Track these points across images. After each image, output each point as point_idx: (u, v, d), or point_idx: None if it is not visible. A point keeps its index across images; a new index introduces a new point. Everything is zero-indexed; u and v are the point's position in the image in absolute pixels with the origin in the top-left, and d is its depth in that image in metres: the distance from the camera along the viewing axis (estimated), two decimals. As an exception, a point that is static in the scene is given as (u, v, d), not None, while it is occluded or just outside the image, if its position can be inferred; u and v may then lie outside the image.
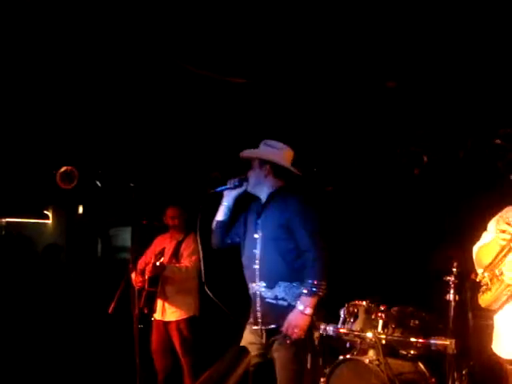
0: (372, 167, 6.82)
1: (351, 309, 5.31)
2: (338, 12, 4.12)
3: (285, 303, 4.15)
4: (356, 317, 5.24)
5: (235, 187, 4.44)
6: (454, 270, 4.97)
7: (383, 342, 4.98)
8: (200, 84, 5.33)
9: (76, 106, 6.41)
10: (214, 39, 4.53)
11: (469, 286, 4.88)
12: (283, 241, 4.19)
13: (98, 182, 8.62)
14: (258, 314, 4.27)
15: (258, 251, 4.25)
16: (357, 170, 6.93)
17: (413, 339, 4.96)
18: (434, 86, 5.40)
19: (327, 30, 4.32)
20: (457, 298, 4.90)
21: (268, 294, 4.21)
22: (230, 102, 5.92)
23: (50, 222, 13.13)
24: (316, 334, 5.22)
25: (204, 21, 4.27)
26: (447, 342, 4.72)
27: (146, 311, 6.17)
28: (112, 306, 5.60)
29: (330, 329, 5.16)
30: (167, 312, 6.30)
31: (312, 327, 4.25)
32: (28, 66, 5.20)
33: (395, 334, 5.03)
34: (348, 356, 5.19)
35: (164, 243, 6.57)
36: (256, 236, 4.29)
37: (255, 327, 4.32)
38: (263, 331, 4.27)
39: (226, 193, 4.49)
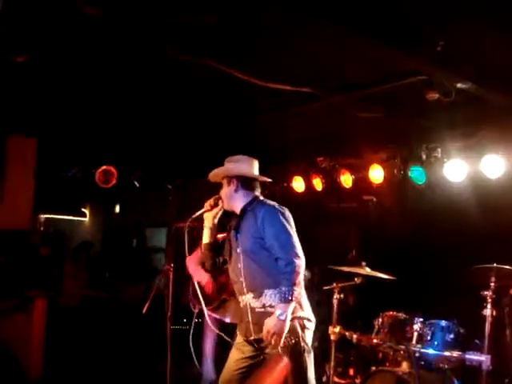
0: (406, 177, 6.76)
1: (385, 319, 5.27)
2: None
3: (273, 309, 4.16)
4: (390, 328, 5.20)
5: (212, 208, 4.52)
6: (492, 284, 4.91)
7: (417, 354, 4.93)
8: (242, 88, 5.35)
9: (117, 106, 6.48)
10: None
11: (507, 301, 4.82)
12: (260, 251, 4.23)
13: (135, 182, 8.71)
14: (250, 325, 4.28)
15: (241, 265, 4.30)
16: (394, 179, 6.87)
17: (447, 353, 4.90)
18: None
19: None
20: (494, 313, 4.83)
21: (256, 304, 4.23)
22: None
23: (86, 219, 13.30)
24: (332, 337, 5.22)
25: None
26: (482, 358, 4.66)
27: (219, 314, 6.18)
28: (146, 306, 5.63)
29: (363, 339, 5.14)
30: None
31: (301, 332, 4.21)
32: (70, 69, 5.28)
33: (430, 347, 4.98)
34: (380, 367, 5.16)
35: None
36: (238, 251, 4.35)
37: (248, 336, 4.32)
38: (255, 340, 4.28)
39: (205, 216, 4.58)
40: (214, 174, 4.54)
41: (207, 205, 4.51)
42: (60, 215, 12.28)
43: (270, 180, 4.68)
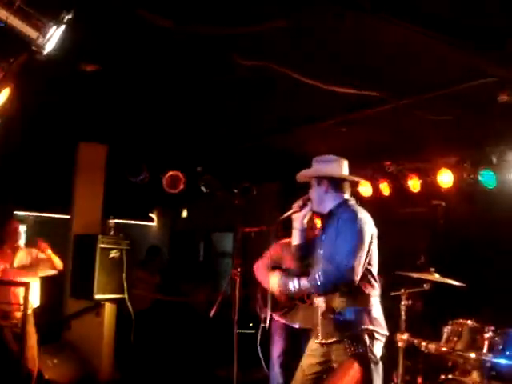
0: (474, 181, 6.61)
1: (455, 327, 5.15)
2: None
3: (340, 317, 4.11)
4: (460, 336, 5.08)
5: (300, 209, 4.46)
6: None
7: (488, 364, 4.79)
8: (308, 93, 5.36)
9: (184, 113, 6.58)
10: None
11: None
12: None
13: (202, 187, 8.79)
14: (319, 328, 4.26)
15: (319, 267, 4.27)
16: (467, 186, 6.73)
17: (521, 363, 4.75)
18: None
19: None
20: None
21: (327, 308, 4.21)
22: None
23: (154, 224, 13.52)
24: (400, 344, 5.11)
25: None
26: (559, 369, 4.50)
27: (287, 319, 6.20)
28: (214, 310, 5.66)
29: (432, 347, 5.04)
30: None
31: (369, 342, 4.14)
32: (138, 77, 5.40)
33: (501, 357, 4.82)
34: (450, 376, 5.03)
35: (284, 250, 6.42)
36: (320, 253, 4.30)
37: (316, 341, 4.29)
38: (324, 345, 4.24)
39: (293, 217, 4.52)
40: (303, 175, 4.46)
41: (296, 206, 4.46)
42: (129, 220, 12.53)
43: (360, 180, 4.64)
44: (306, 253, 4.49)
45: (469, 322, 5.10)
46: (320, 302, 4.25)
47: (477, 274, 6.44)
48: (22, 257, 6.39)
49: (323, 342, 4.19)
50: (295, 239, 4.52)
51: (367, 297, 4.10)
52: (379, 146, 7.02)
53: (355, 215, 4.16)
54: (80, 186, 8.01)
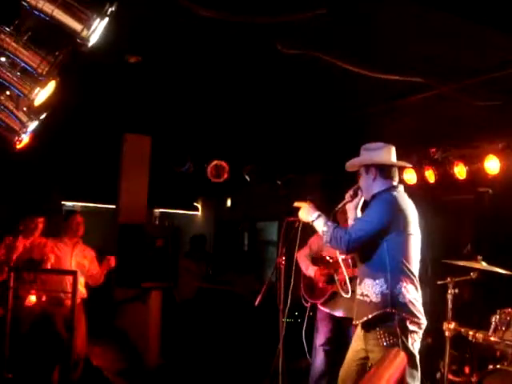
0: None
1: (503, 316, 5.06)
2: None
3: (367, 299, 4.12)
4: (508, 325, 5.00)
5: (352, 198, 4.43)
6: None
7: (538, 353, 4.72)
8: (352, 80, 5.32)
9: (227, 102, 6.59)
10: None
11: None
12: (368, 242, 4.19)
13: (246, 176, 8.82)
14: (355, 309, 4.30)
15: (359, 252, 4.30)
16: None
17: None
18: None
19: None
20: None
21: (358, 291, 4.23)
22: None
23: (199, 213, 13.63)
24: (447, 334, 5.03)
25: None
26: None
27: (326, 307, 6.23)
28: (259, 299, 5.69)
29: (480, 336, 4.97)
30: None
31: (400, 334, 4.12)
32: (183, 68, 5.44)
33: (551, 346, 4.74)
34: (498, 366, 4.96)
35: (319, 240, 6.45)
36: None
37: (354, 322, 4.33)
38: (359, 325, 4.27)
39: (346, 207, 4.51)
40: (351, 164, 4.42)
41: (347, 196, 4.45)
42: (174, 209, 12.67)
43: (409, 165, 4.70)
44: None
45: (517, 311, 5.02)
46: (357, 283, 4.28)
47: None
48: (78, 252, 6.52)
49: (357, 322, 4.23)
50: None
51: (397, 281, 4.07)
52: (424, 133, 6.92)
53: (392, 198, 4.16)
54: (125, 176, 8.11)
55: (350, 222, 4.46)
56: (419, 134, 6.89)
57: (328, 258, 6.21)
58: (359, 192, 4.39)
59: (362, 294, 4.18)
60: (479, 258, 5.47)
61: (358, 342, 4.31)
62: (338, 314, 6.19)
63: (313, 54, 4.71)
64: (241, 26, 4.22)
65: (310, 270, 6.29)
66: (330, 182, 8.25)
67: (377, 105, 6.25)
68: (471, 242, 6.98)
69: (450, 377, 5.66)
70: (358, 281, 4.30)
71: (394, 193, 4.22)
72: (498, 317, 5.08)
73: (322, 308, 6.30)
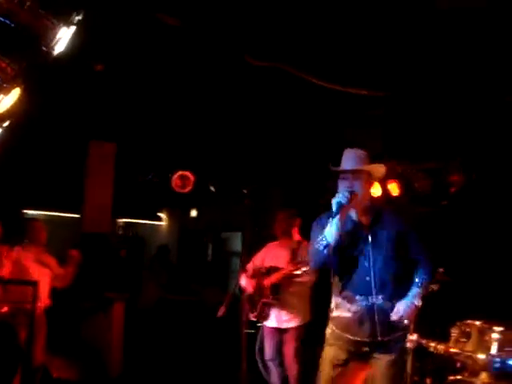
0: (490, 182, 6.60)
1: (464, 328, 5.12)
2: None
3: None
4: (469, 336, 5.05)
5: (345, 204, 4.12)
6: None
7: (497, 364, 4.78)
8: (321, 95, 5.36)
9: (194, 113, 6.59)
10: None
11: None
12: (396, 256, 4.23)
13: (211, 187, 8.80)
14: (377, 327, 4.24)
15: (370, 265, 4.29)
16: (474, 185, 6.72)
17: (529, 364, 4.73)
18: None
19: (448, 45, 4.24)
20: None
21: (385, 307, 4.23)
22: (348, 113, 5.92)
23: (163, 223, 13.55)
24: (409, 345, 5.09)
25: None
26: None
27: (260, 320, 6.23)
28: (221, 310, 5.68)
29: (441, 348, 5.02)
30: (285, 319, 6.18)
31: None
32: (148, 77, 5.42)
33: (511, 358, 4.81)
34: (458, 377, 5.01)
35: (276, 251, 6.45)
36: (368, 249, 4.30)
37: (365, 339, 4.28)
38: (377, 343, 4.28)
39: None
40: (377, 169, 4.33)
41: (340, 201, 4.14)
42: (138, 220, 12.58)
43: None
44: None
45: (477, 322, 5.08)
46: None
47: (485, 275, 6.44)
48: (42, 260, 6.42)
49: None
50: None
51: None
52: (391, 146, 7.00)
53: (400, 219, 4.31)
54: (90, 185, 8.04)
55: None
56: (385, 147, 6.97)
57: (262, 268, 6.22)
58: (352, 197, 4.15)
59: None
60: (441, 270, 5.54)
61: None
62: (271, 324, 6.22)
63: (280, 66, 4.75)
64: (208, 36, 4.23)
65: (245, 284, 6.25)
66: (292, 194, 8.30)
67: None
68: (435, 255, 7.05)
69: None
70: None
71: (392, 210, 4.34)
72: (458, 328, 5.15)
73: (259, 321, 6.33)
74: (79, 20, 3.33)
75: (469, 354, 4.93)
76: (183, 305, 9.28)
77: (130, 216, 12.19)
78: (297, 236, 6.43)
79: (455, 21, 4.05)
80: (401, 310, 4.18)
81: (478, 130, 6.10)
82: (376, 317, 4.24)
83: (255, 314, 6.16)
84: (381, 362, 4.27)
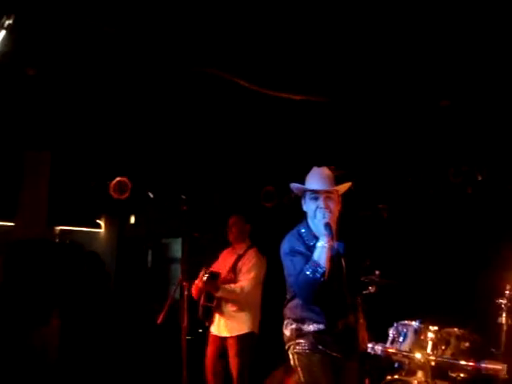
0: (425, 185, 6.75)
1: (400, 328, 5.23)
2: (392, 31, 4.12)
3: None
4: (405, 337, 5.16)
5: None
6: (507, 292, 4.87)
7: (432, 363, 4.89)
8: (255, 100, 5.38)
9: (130, 119, 6.53)
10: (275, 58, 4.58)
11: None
12: None
13: (150, 193, 8.74)
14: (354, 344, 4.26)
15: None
16: (410, 189, 6.86)
17: (463, 362, 4.85)
18: (488, 102, 5.33)
19: (380, 50, 4.32)
20: (509, 321, 4.79)
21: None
22: (287, 117, 5.95)
23: (102, 230, 13.36)
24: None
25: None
26: (499, 367, 4.60)
27: (206, 324, 6.21)
28: (161, 317, 5.63)
29: (378, 348, 5.11)
30: (223, 327, 6.15)
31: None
32: (87, 80, 5.34)
33: (445, 356, 4.93)
34: (396, 376, 5.11)
35: (227, 257, 6.44)
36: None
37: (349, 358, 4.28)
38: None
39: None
40: (345, 187, 4.22)
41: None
42: (75, 227, 12.36)
43: None
44: None
45: (413, 323, 5.19)
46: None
47: (420, 277, 6.58)
48: None
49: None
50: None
51: None
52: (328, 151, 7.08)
53: None
54: (24, 193, 7.88)
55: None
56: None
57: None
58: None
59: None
60: (377, 272, 5.64)
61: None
62: (212, 330, 6.24)
63: (212, 71, 4.75)
64: (141, 41, 4.21)
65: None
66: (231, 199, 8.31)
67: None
68: (370, 257, 7.16)
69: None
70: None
71: None
72: (394, 329, 5.25)
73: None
74: (9, 24, 3.26)
75: (405, 353, 5.05)
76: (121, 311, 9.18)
77: (68, 223, 11.99)
78: (248, 242, 6.40)
79: (390, 23, 4.12)
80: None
81: (413, 135, 6.23)
82: (349, 334, 4.22)
83: (200, 318, 6.19)
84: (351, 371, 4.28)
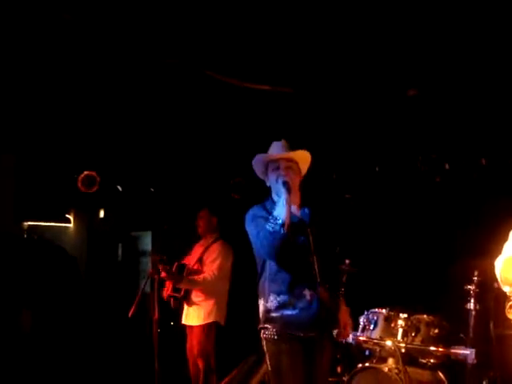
0: (393, 174, 6.79)
1: (371, 316, 5.30)
2: (358, 19, 4.13)
3: None
4: (376, 325, 5.23)
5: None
6: (475, 278, 4.94)
7: (403, 350, 4.97)
8: (221, 90, 5.36)
9: (97, 112, 6.47)
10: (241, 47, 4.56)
11: (492, 295, 4.84)
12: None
13: (118, 187, 8.68)
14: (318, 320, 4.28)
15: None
16: (377, 177, 6.90)
17: (432, 348, 4.93)
18: (456, 91, 5.37)
19: (350, 40, 4.33)
20: (477, 307, 4.86)
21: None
22: (253, 108, 5.94)
23: (71, 225, 13.23)
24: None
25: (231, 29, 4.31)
26: (467, 352, 4.69)
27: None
28: (132, 310, 5.62)
29: (350, 336, 5.15)
30: (190, 316, 6.36)
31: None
32: (51, 73, 5.27)
33: (415, 343, 5.00)
34: (367, 364, 5.17)
35: (196, 249, 6.61)
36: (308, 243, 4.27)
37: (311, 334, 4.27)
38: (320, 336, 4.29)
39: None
40: (304, 156, 4.25)
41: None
42: (44, 222, 12.22)
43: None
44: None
45: (383, 310, 5.25)
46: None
47: (390, 265, 6.63)
48: None
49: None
50: None
51: None
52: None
53: None
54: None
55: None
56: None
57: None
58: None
59: None
60: (347, 261, 5.69)
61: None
62: (183, 320, 6.44)
63: (186, 64, 4.72)
64: (109, 32, 4.17)
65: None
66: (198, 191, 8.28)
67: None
68: (339, 246, 7.20)
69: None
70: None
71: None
72: (365, 317, 5.31)
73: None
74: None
75: (376, 341, 5.11)
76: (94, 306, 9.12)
77: (36, 219, 11.84)
78: (216, 234, 6.53)
79: (356, 11, 4.12)
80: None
81: (383, 125, 6.26)
82: (322, 310, 4.17)
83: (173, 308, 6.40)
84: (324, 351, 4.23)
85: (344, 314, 4.22)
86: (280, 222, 3.84)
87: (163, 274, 6.09)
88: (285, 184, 3.97)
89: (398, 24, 4.27)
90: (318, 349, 4.07)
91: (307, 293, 4.02)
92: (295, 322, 4.00)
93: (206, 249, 6.42)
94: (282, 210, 3.87)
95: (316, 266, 4.04)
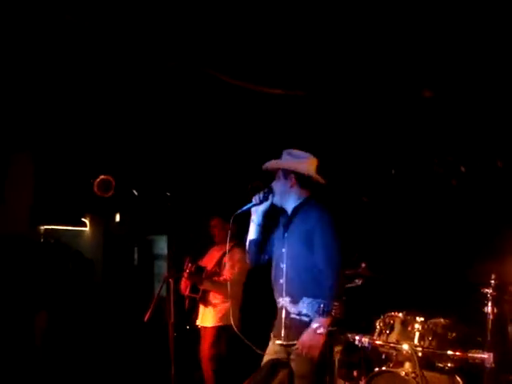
0: (409, 177, 6.76)
1: (387, 320, 5.25)
2: (374, 22, 4.11)
3: (307, 319, 4.13)
4: (392, 328, 5.18)
5: (261, 202, 4.32)
6: (492, 282, 4.89)
7: (419, 354, 4.91)
8: (236, 95, 5.36)
9: (114, 117, 6.50)
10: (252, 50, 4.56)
11: (508, 298, 4.79)
12: (307, 255, 4.16)
13: (134, 191, 8.70)
14: (282, 330, 4.25)
15: (284, 266, 4.23)
16: (394, 180, 6.87)
17: (450, 352, 4.87)
18: (472, 93, 5.34)
19: (364, 42, 4.32)
20: (495, 310, 4.81)
21: (292, 310, 4.20)
22: (268, 113, 5.94)
23: (87, 229, 13.28)
24: (337, 349, 5.15)
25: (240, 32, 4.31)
26: (485, 356, 4.63)
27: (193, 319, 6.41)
28: (148, 314, 5.63)
29: (366, 340, 5.12)
30: (205, 317, 6.40)
31: (331, 345, 4.21)
32: (64, 79, 5.29)
33: (432, 347, 4.95)
34: (384, 368, 5.13)
35: (213, 253, 6.68)
36: (283, 250, 4.26)
37: (278, 341, 4.30)
38: (285, 346, 4.26)
39: (253, 210, 4.39)
40: (274, 164, 4.39)
41: (256, 199, 4.35)
42: (60, 226, 12.27)
43: (323, 182, 4.46)
44: (260, 250, 4.43)
45: (400, 314, 5.21)
46: (287, 301, 4.23)
47: (406, 267, 6.59)
48: None
49: (284, 343, 4.25)
50: (251, 234, 4.44)
51: None
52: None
53: (329, 212, 4.25)
54: (8, 193, 7.83)
55: (253, 226, 4.40)
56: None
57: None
58: (270, 196, 4.32)
59: (299, 314, 4.17)
60: (363, 265, 5.65)
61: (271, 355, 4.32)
62: (198, 323, 6.47)
63: (200, 68, 4.73)
64: (118, 36, 4.18)
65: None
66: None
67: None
68: (357, 251, 7.18)
69: (339, 381, 5.79)
70: (288, 298, 4.24)
71: (322, 205, 4.29)
72: (381, 321, 5.27)
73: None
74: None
75: (393, 345, 5.07)
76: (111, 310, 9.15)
77: (52, 222, 11.90)
78: (233, 240, 6.52)
79: (370, 13, 4.12)
80: (305, 343, 4.10)
81: (398, 127, 6.24)
82: (283, 320, 4.24)
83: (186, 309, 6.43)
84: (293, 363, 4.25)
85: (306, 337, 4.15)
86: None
87: (186, 274, 6.19)
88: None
89: (414, 26, 4.25)
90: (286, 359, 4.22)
91: (278, 300, 4.30)
92: (275, 323, 4.32)
93: (227, 253, 6.39)
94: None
95: (286, 275, 4.20)
